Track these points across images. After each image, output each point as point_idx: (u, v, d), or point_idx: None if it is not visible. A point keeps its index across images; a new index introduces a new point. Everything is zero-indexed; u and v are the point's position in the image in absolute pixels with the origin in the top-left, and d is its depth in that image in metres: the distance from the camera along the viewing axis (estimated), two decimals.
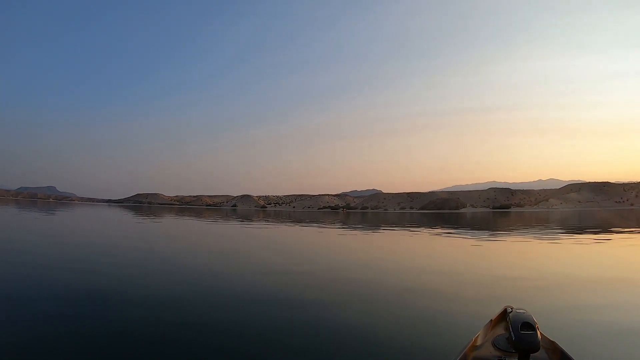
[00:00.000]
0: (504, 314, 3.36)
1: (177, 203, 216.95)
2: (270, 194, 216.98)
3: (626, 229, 25.02)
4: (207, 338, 4.34)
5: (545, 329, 2.90)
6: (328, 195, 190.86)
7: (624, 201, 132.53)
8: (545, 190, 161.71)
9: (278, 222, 35.58)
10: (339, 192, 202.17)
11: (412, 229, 27.11)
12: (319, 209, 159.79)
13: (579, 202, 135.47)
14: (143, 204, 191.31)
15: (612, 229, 25.19)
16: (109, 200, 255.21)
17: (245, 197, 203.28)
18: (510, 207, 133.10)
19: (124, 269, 8.39)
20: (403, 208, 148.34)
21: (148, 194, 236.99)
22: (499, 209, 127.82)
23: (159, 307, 5.39)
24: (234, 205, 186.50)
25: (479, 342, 3.04)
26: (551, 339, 2.88)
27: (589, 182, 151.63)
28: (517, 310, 2.89)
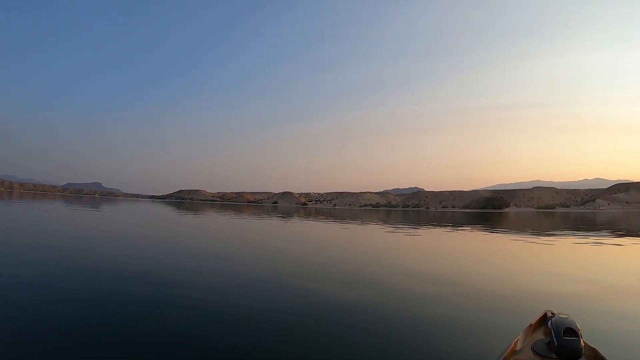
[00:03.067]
0: (544, 319, 3.47)
1: (219, 199, 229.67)
2: (311, 192, 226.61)
3: None
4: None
5: (586, 336, 2.86)
6: (369, 192, 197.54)
7: None
8: (591, 190, 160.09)
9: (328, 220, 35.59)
10: (380, 190, 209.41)
11: (453, 228, 27.53)
12: (359, 206, 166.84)
13: (627, 202, 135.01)
14: (185, 200, 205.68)
15: None
16: (152, 196, 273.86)
17: (286, 194, 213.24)
18: (555, 207, 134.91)
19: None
20: (445, 207, 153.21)
21: (190, 190, 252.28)
22: (543, 209, 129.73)
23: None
24: (275, 202, 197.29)
25: (518, 347, 3.09)
26: (592, 346, 2.85)
27: (638, 182, 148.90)
28: (560, 315, 2.94)
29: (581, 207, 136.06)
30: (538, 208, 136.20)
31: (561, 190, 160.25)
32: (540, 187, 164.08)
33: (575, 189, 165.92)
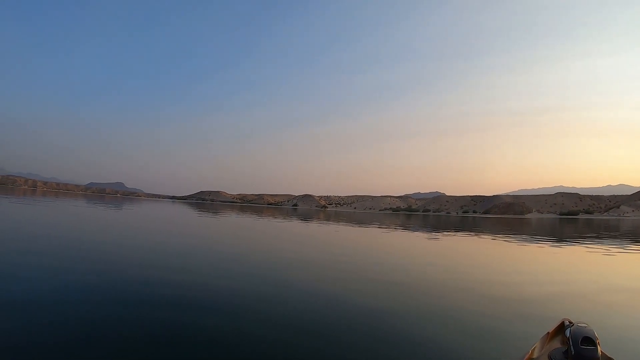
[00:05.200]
0: (562, 327, 3.53)
1: (239, 201, 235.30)
2: (331, 194, 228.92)
3: None
4: None
5: (604, 345, 2.85)
6: (390, 196, 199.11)
7: None
8: (615, 196, 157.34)
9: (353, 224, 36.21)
10: (401, 194, 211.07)
11: (474, 234, 27.95)
12: (380, 210, 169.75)
13: None
14: (205, 201, 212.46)
15: None
16: (173, 197, 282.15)
17: (307, 197, 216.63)
18: (578, 214, 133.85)
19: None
20: (466, 212, 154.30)
21: (211, 192, 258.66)
22: (566, 215, 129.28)
23: None
24: (295, 205, 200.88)
25: (535, 355, 3.13)
26: (610, 356, 2.87)
27: None
28: (579, 324, 2.96)
29: (605, 213, 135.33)
30: (561, 214, 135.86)
31: (584, 196, 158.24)
32: (563, 192, 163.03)
33: (598, 195, 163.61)
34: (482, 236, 26.33)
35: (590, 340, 2.71)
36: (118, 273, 7.71)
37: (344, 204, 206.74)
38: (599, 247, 19.35)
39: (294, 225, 30.84)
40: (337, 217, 58.51)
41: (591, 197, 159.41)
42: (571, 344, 2.77)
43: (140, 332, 4.53)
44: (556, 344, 3.34)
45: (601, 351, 2.77)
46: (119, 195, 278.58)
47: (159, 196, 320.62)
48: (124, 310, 5.36)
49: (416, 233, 27.86)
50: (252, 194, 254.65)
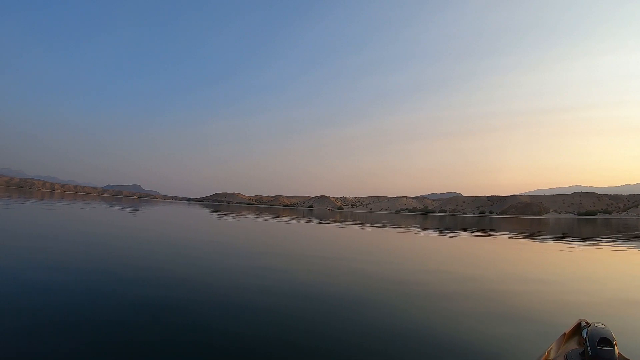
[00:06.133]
0: (578, 328, 3.48)
1: (255, 203, 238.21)
2: (347, 195, 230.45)
3: None
4: None
5: (622, 347, 2.79)
6: (406, 197, 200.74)
7: None
8: (634, 196, 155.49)
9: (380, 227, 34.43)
10: (417, 195, 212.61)
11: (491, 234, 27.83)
12: (396, 211, 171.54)
13: None
14: (222, 203, 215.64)
15: None
16: (189, 199, 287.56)
17: (323, 198, 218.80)
18: (596, 214, 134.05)
19: None
20: (482, 212, 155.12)
21: (227, 194, 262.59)
22: (584, 215, 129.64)
23: None
24: (311, 206, 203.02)
25: (551, 356, 3.09)
26: (627, 358, 2.82)
27: None
28: (596, 325, 2.92)
29: (623, 213, 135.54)
30: (579, 214, 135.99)
31: (602, 195, 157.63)
32: (581, 192, 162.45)
33: (617, 195, 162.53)
34: (504, 237, 26.20)
35: (607, 341, 2.73)
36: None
37: (359, 205, 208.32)
38: (617, 247, 19.62)
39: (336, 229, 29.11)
40: (353, 218, 58.42)
41: (609, 196, 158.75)
42: (588, 345, 2.77)
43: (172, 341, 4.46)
44: (573, 345, 3.35)
45: (619, 352, 2.77)
46: (136, 197, 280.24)
47: (175, 198, 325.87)
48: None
49: (434, 234, 27.97)
50: (268, 196, 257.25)
